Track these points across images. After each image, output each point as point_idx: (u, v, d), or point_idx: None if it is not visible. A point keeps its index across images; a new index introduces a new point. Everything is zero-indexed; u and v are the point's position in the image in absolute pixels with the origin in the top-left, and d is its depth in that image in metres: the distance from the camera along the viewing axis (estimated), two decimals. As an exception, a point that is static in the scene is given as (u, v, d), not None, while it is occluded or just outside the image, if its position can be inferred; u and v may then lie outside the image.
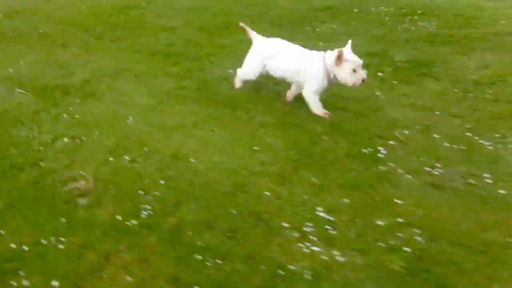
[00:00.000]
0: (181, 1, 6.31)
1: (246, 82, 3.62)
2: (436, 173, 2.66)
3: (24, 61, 4.25)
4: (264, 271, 2.01)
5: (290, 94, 3.53)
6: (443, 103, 3.48)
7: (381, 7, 5.90)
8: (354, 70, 3.14)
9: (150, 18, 5.65)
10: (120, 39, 4.90)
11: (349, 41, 3.23)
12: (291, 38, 3.57)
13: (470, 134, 3.06)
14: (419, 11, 5.67)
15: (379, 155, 2.85)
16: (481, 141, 2.97)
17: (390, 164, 2.75)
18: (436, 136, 3.05)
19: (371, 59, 4.18)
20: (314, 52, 3.38)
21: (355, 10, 5.88)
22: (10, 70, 4.06)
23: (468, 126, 3.15)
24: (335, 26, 5.25)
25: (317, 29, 5.17)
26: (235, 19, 4.91)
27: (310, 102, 3.34)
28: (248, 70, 3.54)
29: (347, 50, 3.19)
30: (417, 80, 3.89)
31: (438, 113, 3.34)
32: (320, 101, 3.32)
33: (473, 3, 5.99)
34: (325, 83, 3.27)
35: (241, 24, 3.61)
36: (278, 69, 3.42)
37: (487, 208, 2.37)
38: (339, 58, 3.13)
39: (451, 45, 4.60)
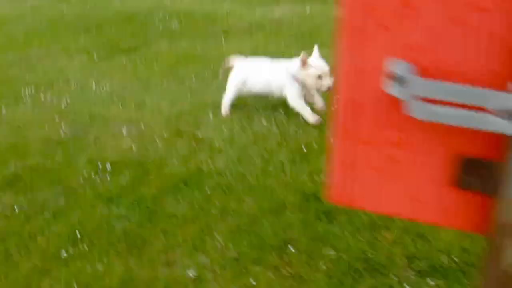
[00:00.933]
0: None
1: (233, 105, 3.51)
2: None
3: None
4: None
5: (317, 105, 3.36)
6: None
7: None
8: (320, 77, 3.13)
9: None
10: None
11: (315, 47, 3.22)
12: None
13: None
14: None
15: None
16: None
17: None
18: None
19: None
20: (279, 63, 3.37)
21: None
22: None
23: None
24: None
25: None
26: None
27: (298, 109, 3.27)
28: (231, 94, 3.47)
29: (314, 56, 3.20)
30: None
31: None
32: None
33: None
34: (300, 86, 3.24)
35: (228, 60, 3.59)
36: (255, 87, 3.41)
37: None
38: (304, 64, 3.14)
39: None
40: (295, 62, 3.23)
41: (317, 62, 3.16)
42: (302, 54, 3.12)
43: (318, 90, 3.19)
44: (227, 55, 3.69)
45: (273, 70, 3.35)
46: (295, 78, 3.21)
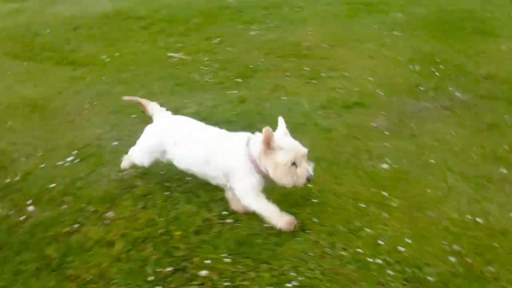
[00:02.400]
0: None
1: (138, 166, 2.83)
2: None
3: None
4: None
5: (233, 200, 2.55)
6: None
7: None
8: (294, 164, 2.20)
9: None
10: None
11: (280, 119, 2.33)
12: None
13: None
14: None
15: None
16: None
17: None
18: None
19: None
20: (234, 135, 2.43)
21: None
22: None
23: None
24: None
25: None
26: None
27: (255, 209, 2.33)
28: (141, 155, 2.69)
29: (279, 131, 2.28)
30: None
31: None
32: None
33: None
34: (259, 177, 2.31)
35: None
36: (182, 160, 2.53)
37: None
38: (267, 143, 2.18)
39: None
40: (254, 140, 2.31)
41: (287, 140, 2.26)
42: (265, 129, 2.15)
43: (291, 185, 2.24)
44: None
45: (216, 145, 2.40)
46: (254, 166, 2.28)
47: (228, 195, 2.55)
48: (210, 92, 4.22)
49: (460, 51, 5.13)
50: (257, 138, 2.26)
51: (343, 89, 4.26)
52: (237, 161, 2.29)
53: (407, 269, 2.25)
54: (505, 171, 3.07)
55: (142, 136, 2.70)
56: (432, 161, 3.16)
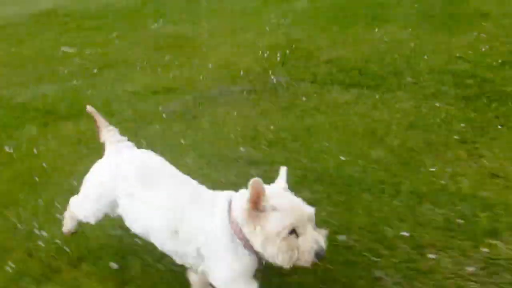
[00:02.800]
0: None
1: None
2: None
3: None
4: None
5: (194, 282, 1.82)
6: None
7: None
8: (293, 232, 1.49)
9: None
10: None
11: (282, 169, 1.66)
12: None
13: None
14: None
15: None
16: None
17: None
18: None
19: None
20: (214, 194, 1.74)
21: None
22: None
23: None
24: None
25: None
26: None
27: None
28: (83, 207, 1.95)
29: (278, 184, 1.63)
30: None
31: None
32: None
33: None
34: (250, 256, 1.59)
35: (89, 109, 2.01)
36: (137, 221, 1.77)
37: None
38: (255, 202, 1.50)
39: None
40: (238, 198, 1.62)
41: (284, 198, 1.56)
42: (253, 181, 1.47)
43: (291, 265, 1.51)
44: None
45: (190, 208, 1.67)
46: (242, 240, 1.57)
47: (193, 278, 1.81)
48: (58, 84, 4.57)
49: (330, 38, 5.09)
50: (241, 196, 1.58)
51: (177, 76, 4.45)
52: (215, 234, 1.58)
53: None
54: (243, 149, 3.14)
55: (86, 178, 1.94)
56: (182, 141, 3.29)
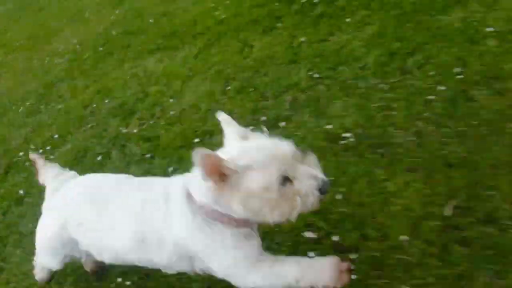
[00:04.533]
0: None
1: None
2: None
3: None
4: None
5: None
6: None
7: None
8: (286, 179, 1.31)
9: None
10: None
11: (220, 115, 1.48)
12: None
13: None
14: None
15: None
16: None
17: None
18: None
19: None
20: (167, 187, 1.55)
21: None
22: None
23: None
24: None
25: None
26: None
27: (269, 285, 1.40)
28: (44, 255, 1.88)
29: (233, 136, 1.43)
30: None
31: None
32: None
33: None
34: (238, 229, 1.43)
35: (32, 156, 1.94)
36: (100, 248, 1.66)
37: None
38: (216, 173, 1.29)
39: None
40: (195, 182, 1.43)
41: (253, 146, 1.36)
42: (199, 153, 1.25)
43: (294, 217, 1.32)
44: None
45: (152, 209, 1.52)
46: (218, 220, 1.41)
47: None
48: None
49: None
50: (195, 177, 1.38)
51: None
52: (187, 227, 1.43)
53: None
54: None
55: (36, 238, 1.84)
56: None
